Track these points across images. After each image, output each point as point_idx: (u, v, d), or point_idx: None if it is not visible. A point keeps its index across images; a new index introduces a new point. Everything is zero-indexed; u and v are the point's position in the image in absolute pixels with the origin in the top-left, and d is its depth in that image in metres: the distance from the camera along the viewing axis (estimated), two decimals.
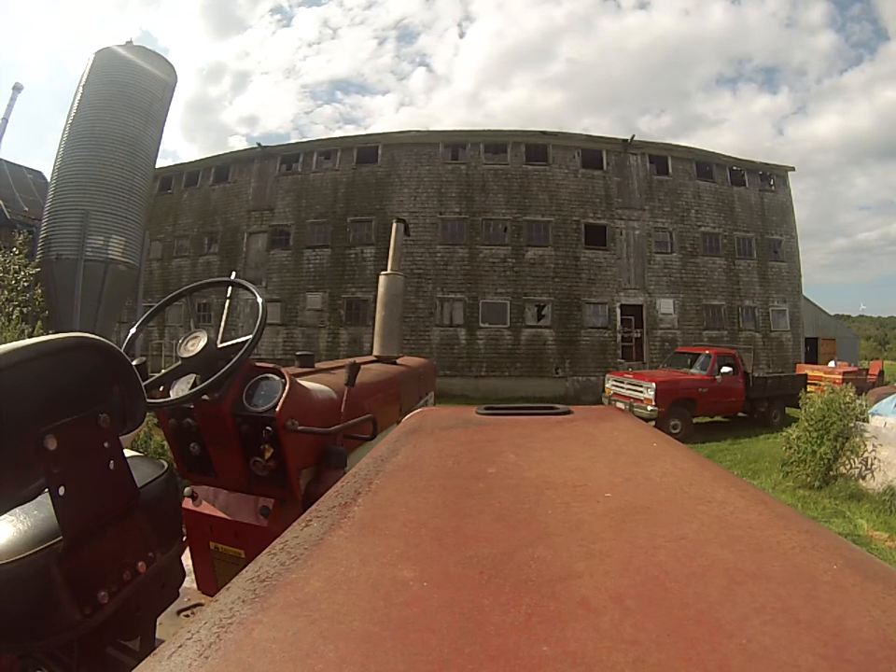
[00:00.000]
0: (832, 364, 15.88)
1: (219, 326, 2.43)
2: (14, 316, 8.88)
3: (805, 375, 12.09)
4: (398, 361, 2.83)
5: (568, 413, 1.10)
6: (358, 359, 2.34)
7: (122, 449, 0.92)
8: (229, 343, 1.45)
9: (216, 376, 1.31)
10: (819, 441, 6.22)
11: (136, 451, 2.47)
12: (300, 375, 1.67)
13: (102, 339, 0.87)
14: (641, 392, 9.22)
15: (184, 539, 1.40)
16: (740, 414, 10.79)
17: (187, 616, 1.48)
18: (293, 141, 25.80)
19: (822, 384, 9.66)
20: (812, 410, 6.52)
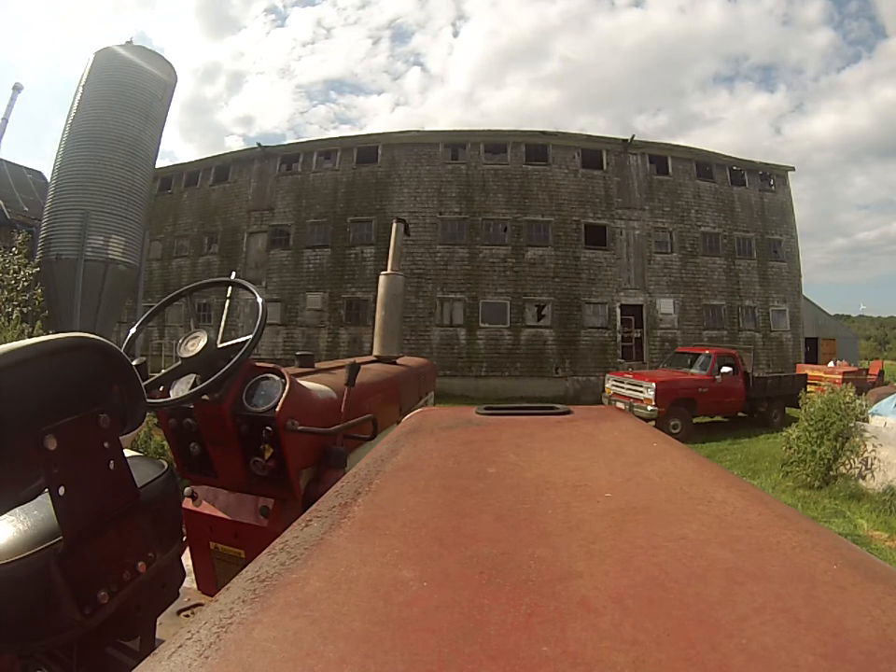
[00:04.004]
0: (831, 364, 15.89)
1: (219, 326, 2.43)
2: (14, 316, 8.87)
3: (805, 375, 12.08)
4: (398, 361, 2.83)
5: (568, 412, 1.10)
6: (358, 359, 2.34)
7: (122, 449, 0.92)
8: (229, 343, 1.45)
9: (216, 376, 1.31)
10: (819, 441, 6.22)
11: (136, 451, 2.47)
12: (300, 375, 1.67)
13: (102, 339, 0.87)
14: (641, 392, 9.22)
15: (184, 538, 1.40)
16: (740, 414, 10.78)
17: (187, 616, 1.48)
18: (292, 141, 25.74)
19: (822, 384, 9.65)
20: (812, 410, 6.51)
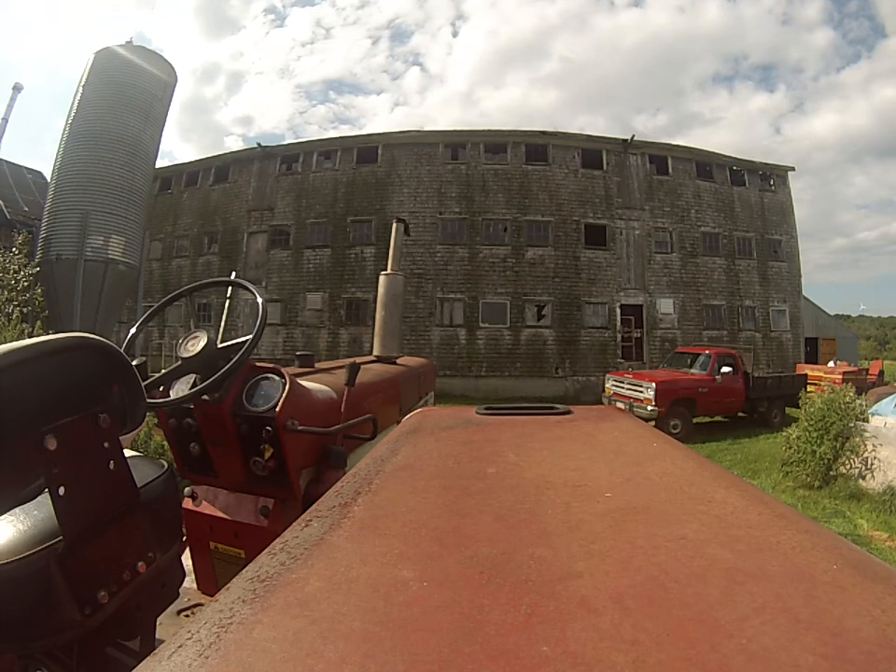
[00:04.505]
0: (831, 364, 15.88)
1: (219, 326, 2.43)
2: (14, 316, 8.87)
3: (805, 375, 12.08)
4: (398, 361, 2.83)
5: (568, 413, 1.10)
6: (358, 359, 2.34)
7: (122, 449, 0.92)
8: (229, 343, 1.45)
9: (216, 376, 1.31)
10: (819, 441, 6.22)
11: (136, 451, 2.47)
12: (300, 375, 1.67)
13: (102, 339, 0.87)
14: (641, 392, 9.22)
15: (184, 538, 1.40)
16: (740, 414, 10.78)
17: (187, 616, 1.48)
18: (291, 141, 25.72)
19: (822, 384, 9.65)
20: (812, 410, 6.51)
